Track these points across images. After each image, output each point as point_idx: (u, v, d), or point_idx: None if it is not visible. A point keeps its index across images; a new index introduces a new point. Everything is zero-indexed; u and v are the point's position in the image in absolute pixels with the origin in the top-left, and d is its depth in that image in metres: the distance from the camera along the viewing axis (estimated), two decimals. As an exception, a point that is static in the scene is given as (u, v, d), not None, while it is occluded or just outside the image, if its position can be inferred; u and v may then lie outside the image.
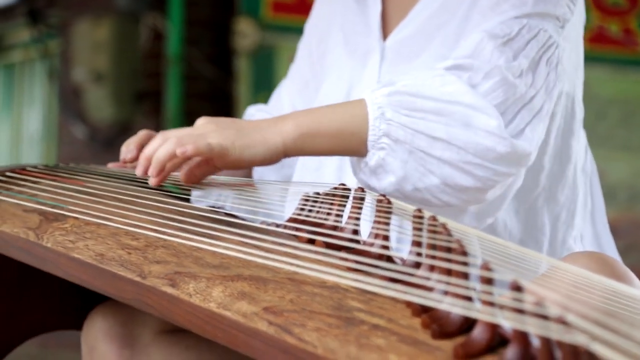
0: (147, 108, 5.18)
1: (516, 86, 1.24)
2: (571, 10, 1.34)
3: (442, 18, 1.40)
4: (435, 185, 1.21)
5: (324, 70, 1.57)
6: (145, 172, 1.20)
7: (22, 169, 1.37)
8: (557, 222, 1.42)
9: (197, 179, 1.23)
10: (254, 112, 1.67)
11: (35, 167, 1.40)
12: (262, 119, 1.23)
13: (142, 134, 1.43)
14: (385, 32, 1.48)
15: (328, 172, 1.47)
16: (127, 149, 1.41)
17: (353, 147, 1.22)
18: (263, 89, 5.06)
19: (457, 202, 1.21)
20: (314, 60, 1.62)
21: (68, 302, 1.41)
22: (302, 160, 1.54)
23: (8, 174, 1.35)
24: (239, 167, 1.21)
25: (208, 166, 1.22)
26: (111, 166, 1.46)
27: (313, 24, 1.65)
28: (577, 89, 1.43)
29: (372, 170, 1.22)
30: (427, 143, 1.20)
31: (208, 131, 1.18)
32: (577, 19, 1.38)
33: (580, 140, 1.45)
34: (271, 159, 1.21)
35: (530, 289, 0.69)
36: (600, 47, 5.07)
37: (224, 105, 5.02)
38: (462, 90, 1.21)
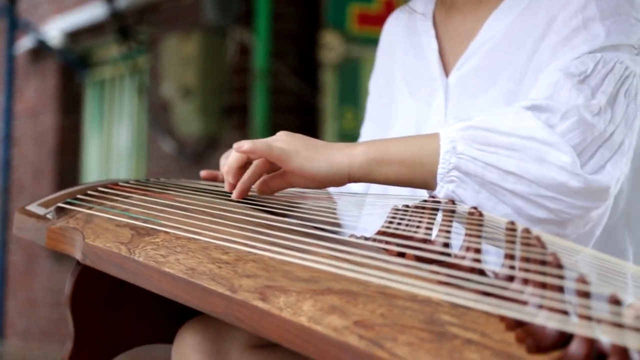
0: (234, 122, 5.23)
1: (594, 125, 1.22)
2: None
3: (507, 52, 1.37)
4: (507, 215, 1.20)
5: (391, 118, 1.56)
6: (230, 188, 1.27)
7: (114, 184, 1.39)
8: None
9: (271, 190, 1.27)
10: None
11: (127, 182, 1.42)
12: (336, 143, 1.25)
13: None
14: (446, 69, 1.46)
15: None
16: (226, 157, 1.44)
17: (421, 178, 1.22)
18: (348, 102, 5.07)
19: None
20: (383, 106, 1.61)
21: (159, 316, 1.42)
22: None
23: (100, 188, 1.36)
24: (305, 179, 1.22)
25: (282, 179, 1.24)
26: (203, 174, 1.47)
27: (376, 76, 1.64)
28: None
29: None
30: (498, 176, 1.19)
31: (278, 139, 1.23)
32: None
33: None
34: (334, 179, 1.22)
35: (634, 306, 0.67)
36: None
37: (310, 118, 5.05)
38: (536, 125, 1.20)
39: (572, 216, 1.20)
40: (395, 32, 1.58)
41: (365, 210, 1.42)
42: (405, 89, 1.52)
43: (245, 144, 1.21)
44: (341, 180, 1.22)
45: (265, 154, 1.21)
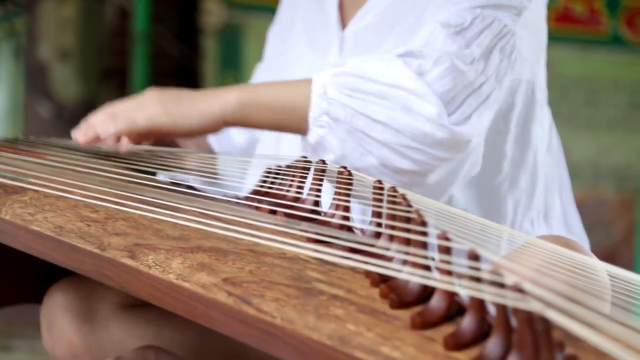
0: (112, 86, 5.15)
1: (465, 73, 1.24)
2: None
3: (401, 9, 1.39)
4: (373, 165, 1.22)
5: (285, 69, 1.56)
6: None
7: (-19, 142, 1.36)
8: (518, 207, 1.43)
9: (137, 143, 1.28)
10: None
11: (-5, 140, 1.39)
12: (209, 89, 1.26)
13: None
14: (343, 22, 1.47)
15: (285, 146, 1.47)
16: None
17: (294, 122, 1.23)
18: (230, 68, 5.04)
19: (396, 184, 1.22)
20: (275, 55, 1.62)
21: (29, 276, 1.40)
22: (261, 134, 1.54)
23: (-32, 147, 1.33)
24: (179, 136, 1.24)
25: (148, 135, 1.26)
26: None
27: (274, 26, 1.64)
28: (538, 74, 1.43)
29: (313, 147, 1.23)
30: (366, 124, 1.21)
31: (145, 105, 1.24)
32: (537, 3, 1.37)
33: (542, 123, 1.45)
34: (209, 128, 1.24)
35: (497, 263, 0.69)
36: (565, 27, 5.08)
37: (191, 83, 5.00)
38: (405, 75, 1.21)
39: (433, 167, 1.23)
40: None
41: (251, 171, 1.42)
42: (305, 40, 1.53)
43: (110, 129, 1.22)
44: (216, 128, 1.24)
45: (134, 131, 1.21)
